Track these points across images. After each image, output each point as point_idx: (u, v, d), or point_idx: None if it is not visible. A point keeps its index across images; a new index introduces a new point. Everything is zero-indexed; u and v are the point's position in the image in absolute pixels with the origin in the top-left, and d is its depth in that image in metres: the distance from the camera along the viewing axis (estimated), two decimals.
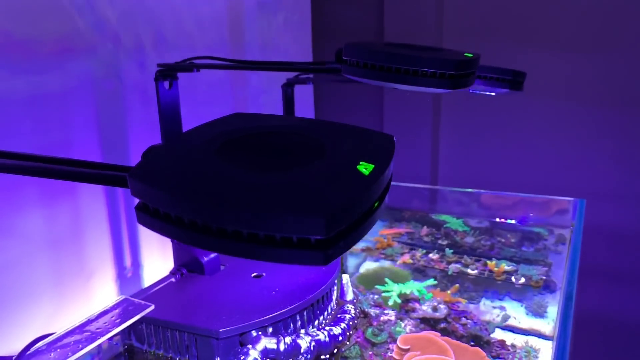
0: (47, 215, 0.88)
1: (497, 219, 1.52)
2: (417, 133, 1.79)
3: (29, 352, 0.70)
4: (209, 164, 0.36)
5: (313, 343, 0.82)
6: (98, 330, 0.77)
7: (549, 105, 1.66)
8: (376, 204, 0.37)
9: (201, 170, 0.35)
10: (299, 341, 0.81)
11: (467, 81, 0.69)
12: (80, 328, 0.78)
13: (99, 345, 0.78)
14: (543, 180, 1.70)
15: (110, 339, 0.78)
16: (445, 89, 0.66)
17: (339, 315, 0.94)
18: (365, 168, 0.37)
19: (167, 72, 0.89)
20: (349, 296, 1.01)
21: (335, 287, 0.99)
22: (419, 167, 1.82)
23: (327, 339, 0.84)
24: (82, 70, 0.91)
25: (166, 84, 0.91)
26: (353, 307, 0.98)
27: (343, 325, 0.90)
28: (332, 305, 0.95)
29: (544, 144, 1.70)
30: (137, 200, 0.38)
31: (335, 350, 0.87)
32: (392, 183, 1.46)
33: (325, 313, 0.93)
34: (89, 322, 0.80)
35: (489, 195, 1.54)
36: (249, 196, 0.32)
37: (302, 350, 0.81)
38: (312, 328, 0.87)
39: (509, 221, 1.51)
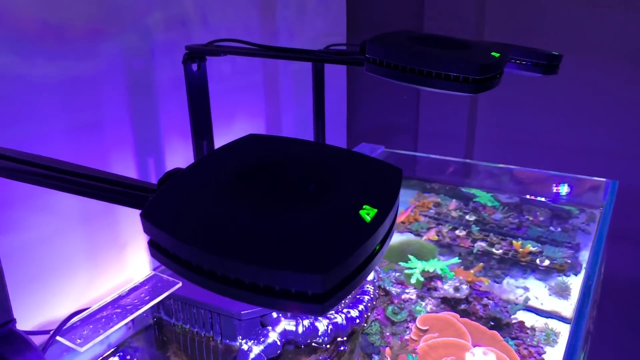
0: None
1: (528, 196, 1.50)
2: (453, 108, 1.75)
3: (64, 327, 0.76)
4: (217, 205, 0.38)
5: (330, 326, 0.85)
6: (128, 307, 0.82)
7: (589, 82, 1.59)
8: (377, 247, 0.38)
9: (209, 212, 0.37)
10: (316, 324, 0.84)
11: (492, 84, 0.67)
12: (112, 304, 0.83)
13: None
14: (579, 158, 1.65)
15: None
16: (468, 92, 0.64)
17: (358, 296, 0.96)
18: (367, 213, 0.37)
19: (195, 55, 0.90)
20: (370, 276, 1.04)
21: None
22: (454, 141, 1.80)
23: (345, 322, 0.87)
24: (112, 50, 0.93)
25: (194, 66, 0.92)
26: (372, 287, 1.01)
27: (361, 307, 0.93)
28: None
29: (583, 121, 1.64)
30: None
31: (352, 332, 0.90)
32: (426, 155, 1.43)
33: None
34: (120, 297, 0.85)
35: (520, 171, 1.52)
36: (252, 248, 0.34)
37: (319, 333, 0.84)
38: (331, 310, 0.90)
39: (539, 198, 1.49)
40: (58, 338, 0.73)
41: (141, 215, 0.37)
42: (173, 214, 0.37)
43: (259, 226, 0.35)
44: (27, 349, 0.65)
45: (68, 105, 0.87)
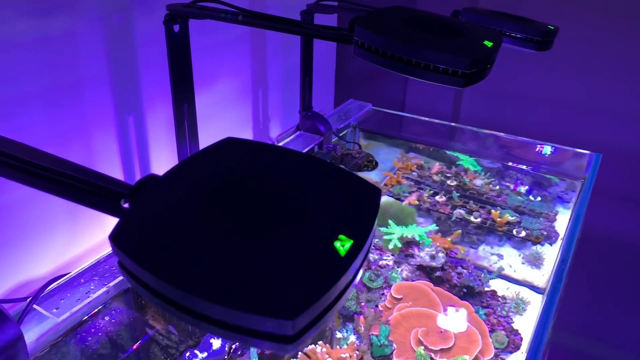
0: (61, 154, 0.90)
1: (510, 163, 1.50)
2: None
3: (42, 294, 0.76)
4: (185, 232, 0.37)
5: None
6: (106, 275, 0.82)
7: (580, 55, 1.56)
8: (352, 278, 0.38)
9: (177, 240, 0.36)
10: None
11: (482, 76, 0.64)
12: (90, 271, 0.83)
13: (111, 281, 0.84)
14: (564, 131, 1.65)
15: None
16: (457, 86, 0.62)
17: None
18: (342, 245, 0.37)
19: (177, 15, 0.86)
20: None
21: None
22: (441, 104, 1.77)
23: None
24: (90, 4, 0.88)
25: (176, 27, 0.88)
26: None
27: None
28: None
29: (571, 95, 1.62)
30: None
31: None
32: (413, 116, 1.41)
33: None
34: (98, 263, 0.85)
35: (505, 138, 1.51)
36: (219, 286, 0.33)
37: None
38: None
39: (521, 166, 1.49)
40: (35, 307, 0.74)
41: (110, 238, 0.37)
42: (141, 240, 0.36)
43: (227, 260, 0.35)
44: (2, 321, 0.66)
45: (44, 64, 0.83)
